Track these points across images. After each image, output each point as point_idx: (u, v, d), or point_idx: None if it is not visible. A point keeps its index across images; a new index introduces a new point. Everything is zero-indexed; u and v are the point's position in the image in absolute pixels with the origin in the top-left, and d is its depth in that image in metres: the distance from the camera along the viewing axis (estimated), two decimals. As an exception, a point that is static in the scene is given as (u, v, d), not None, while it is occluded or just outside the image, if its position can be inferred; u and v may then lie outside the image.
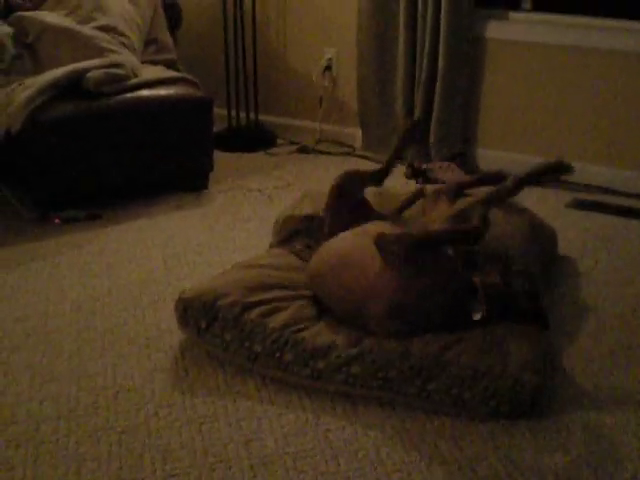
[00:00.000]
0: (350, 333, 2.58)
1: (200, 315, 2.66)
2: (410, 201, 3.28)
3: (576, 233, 3.73)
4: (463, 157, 4.54)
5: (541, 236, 3.29)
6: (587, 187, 4.32)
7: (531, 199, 3.88)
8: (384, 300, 2.56)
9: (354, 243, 2.76)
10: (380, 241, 2.59)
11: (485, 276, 2.61)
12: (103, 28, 4.19)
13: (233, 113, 5.00)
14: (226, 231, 3.74)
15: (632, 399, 2.49)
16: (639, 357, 2.72)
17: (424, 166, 3.96)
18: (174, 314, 2.74)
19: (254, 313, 2.64)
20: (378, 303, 2.56)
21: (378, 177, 3.21)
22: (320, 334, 2.58)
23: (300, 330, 2.59)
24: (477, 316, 2.56)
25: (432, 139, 4.52)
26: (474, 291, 2.57)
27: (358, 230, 2.84)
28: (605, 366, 2.66)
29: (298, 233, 3.16)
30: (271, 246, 3.22)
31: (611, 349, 2.77)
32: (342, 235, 2.86)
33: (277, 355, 2.56)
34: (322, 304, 2.76)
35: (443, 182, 3.75)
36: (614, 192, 4.27)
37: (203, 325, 2.65)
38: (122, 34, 4.25)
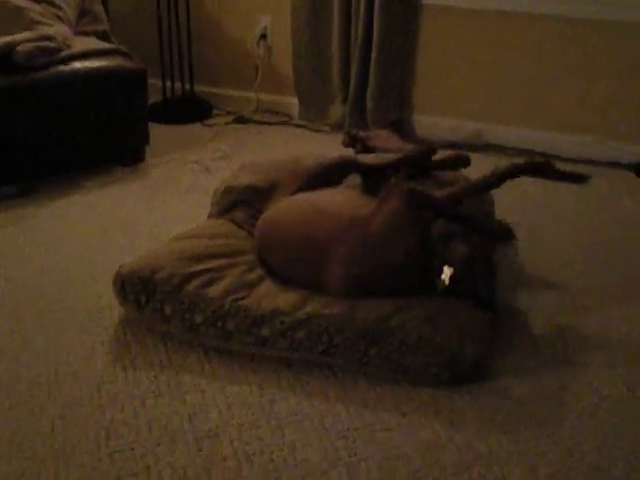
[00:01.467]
0: (293, 297, 2.58)
1: (138, 290, 2.64)
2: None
3: (513, 198, 3.77)
4: (400, 124, 4.56)
5: (478, 202, 3.31)
6: (523, 152, 4.37)
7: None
8: (358, 240, 2.59)
9: (332, 194, 2.82)
10: (392, 186, 2.68)
11: (454, 249, 2.63)
12: (36, 0, 4.11)
13: (168, 84, 4.94)
14: (164, 203, 3.71)
15: (568, 361, 2.54)
16: (577, 318, 2.78)
17: (362, 134, 3.95)
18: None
19: (193, 284, 2.62)
20: (350, 244, 2.59)
21: (367, 171, 3.13)
22: (263, 300, 2.57)
23: (242, 298, 2.58)
24: (440, 287, 2.58)
25: (369, 106, 4.52)
26: (441, 262, 2.60)
27: (328, 190, 2.90)
28: (543, 329, 2.71)
29: (239, 203, 3.15)
30: (210, 217, 3.20)
31: (548, 312, 2.82)
32: (309, 193, 2.88)
33: (219, 324, 2.55)
34: (265, 267, 2.76)
35: (381, 150, 3.75)
36: (550, 156, 4.32)
37: (142, 300, 2.63)
38: (56, 6, 4.17)
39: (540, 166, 2.79)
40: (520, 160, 2.81)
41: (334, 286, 2.61)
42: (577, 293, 2.94)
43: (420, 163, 3.15)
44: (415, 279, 2.60)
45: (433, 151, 3.23)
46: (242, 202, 3.13)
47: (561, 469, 2.11)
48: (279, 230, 2.78)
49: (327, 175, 3.05)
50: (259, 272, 2.74)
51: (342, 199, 2.83)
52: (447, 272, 2.57)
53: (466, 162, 3.20)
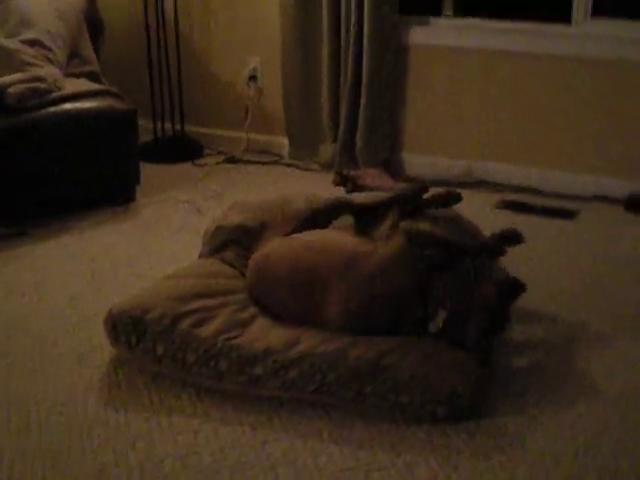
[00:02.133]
0: (285, 335, 2.57)
1: (130, 330, 2.62)
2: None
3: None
4: (390, 163, 4.57)
5: (467, 237, 3.31)
6: (513, 188, 4.39)
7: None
8: (358, 277, 2.62)
9: (326, 234, 2.88)
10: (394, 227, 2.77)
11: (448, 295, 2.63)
12: (28, 42, 4.12)
13: (158, 124, 4.95)
14: (156, 243, 3.70)
15: (565, 396, 2.53)
16: (573, 351, 2.77)
17: (352, 173, 3.97)
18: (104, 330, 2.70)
19: (185, 323, 2.61)
20: (349, 280, 2.61)
21: (359, 211, 3.13)
22: (255, 339, 2.57)
23: (234, 337, 2.57)
24: (433, 328, 2.58)
25: (359, 145, 4.54)
26: (437, 304, 2.59)
27: (321, 231, 2.95)
28: (539, 365, 2.70)
29: (229, 243, 3.14)
30: (201, 256, 3.19)
31: (542, 346, 2.81)
32: (303, 234, 2.91)
33: (211, 364, 2.54)
34: (259, 306, 2.76)
35: (372, 189, 3.76)
36: (539, 192, 4.34)
37: (134, 340, 2.62)
38: (47, 48, 4.19)
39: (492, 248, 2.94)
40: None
41: (332, 322, 2.61)
42: (563, 328, 2.95)
43: (412, 201, 3.15)
44: (411, 318, 2.60)
45: (425, 189, 3.23)
46: (232, 241, 3.13)
47: None
48: (274, 269, 2.78)
49: (321, 216, 3.06)
50: (251, 311, 2.74)
51: (337, 238, 2.84)
52: (441, 315, 2.57)
53: (457, 199, 3.21)
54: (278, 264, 2.78)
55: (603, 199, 4.23)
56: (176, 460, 2.25)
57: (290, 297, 2.71)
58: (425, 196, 3.21)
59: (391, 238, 2.71)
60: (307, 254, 2.75)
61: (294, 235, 2.92)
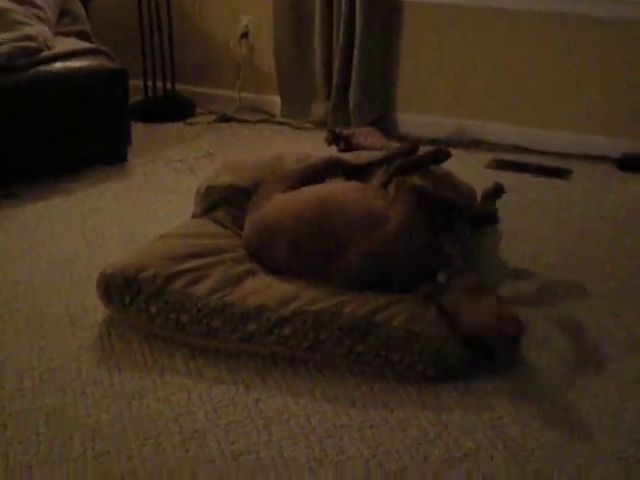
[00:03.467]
0: (279, 293, 2.57)
1: (123, 290, 2.63)
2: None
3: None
4: (383, 121, 4.56)
5: (462, 197, 3.31)
6: (504, 147, 4.38)
7: (450, 161, 3.90)
8: (379, 238, 2.62)
9: (336, 188, 2.86)
10: (401, 184, 2.74)
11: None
12: (17, 1, 4.08)
13: (149, 83, 4.91)
14: (148, 203, 3.69)
15: (555, 361, 2.55)
16: (562, 316, 2.78)
17: (345, 132, 3.95)
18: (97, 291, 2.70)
19: (178, 283, 2.61)
20: (370, 240, 2.62)
21: (352, 170, 3.16)
22: (248, 297, 2.57)
23: (227, 295, 2.58)
24: (442, 279, 2.60)
25: (351, 104, 4.52)
26: (444, 262, 2.62)
27: (326, 184, 2.98)
28: (530, 328, 2.71)
29: (220, 203, 3.14)
30: (194, 216, 3.19)
31: (535, 309, 2.82)
32: (309, 187, 2.92)
33: (205, 322, 2.55)
34: (262, 262, 2.76)
35: (364, 147, 3.75)
36: (531, 151, 4.33)
37: (127, 300, 2.62)
38: (37, 6, 4.15)
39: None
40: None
41: (350, 274, 2.62)
42: (555, 286, 2.97)
43: (402, 160, 3.16)
44: (423, 274, 2.62)
45: (415, 148, 3.24)
46: (224, 201, 3.12)
47: (548, 464, 2.11)
48: (275, 223, 2.77)
49: (316, 175, 3.06)
50: (244, 268, 2.73)
51: (345, 190, 2.85)
52: (446, 270, 2.59)
53: (446, 156, 3.23)
54: (280, 218, 2.78)
55: (597, 158, 4.23)
56: (170, 419, 2.27)
57: (293, 249, 2.71)
58: (415, 154, 3.22)
59: (401, 199, 2.71)
60: (313, 207, 2.75)
61: (298, 190, 2.92)
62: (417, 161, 3.20)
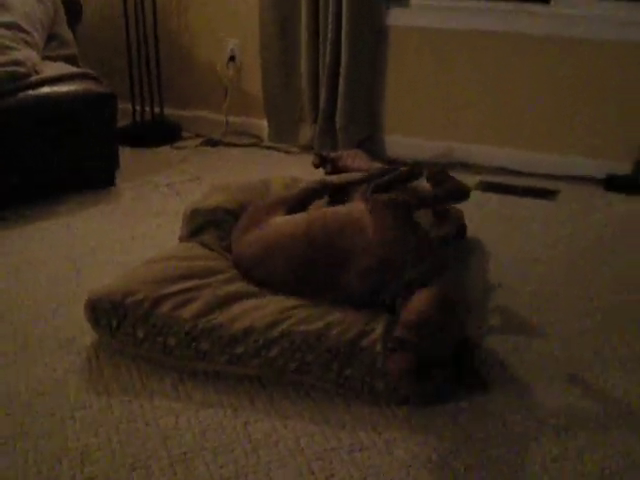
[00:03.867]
0: (267, 316, 2.57)
1: (110, 315, 2.63)
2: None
3: (483, 215, 3.79)
4: (370, 143, 4.57)
5: (448, 219, 3.33)
6: (491, 169, 4.41)
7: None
8: (373, 255, 2.65)
9: (336, 211, 2.91)
10: (375, 202, 2.79)
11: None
12: (5, 25, 4.08)
13: (137, 108, 4.93)
14: (135, 227, 3.70)
15: (540, 374, 2.55)
16: (548, 334, 2.79)
17: (332, 154, 3.96)
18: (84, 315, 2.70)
19: (165, 307, 2.61)
20: (365, 258, 2.64)
21: (335, 191, 3.24)
22: (236, 319, 2.57)
23: (215, 318, 2.58)
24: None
25: (338, 126, 4.54)
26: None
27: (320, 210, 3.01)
28: (517, 343, 2.72)
29: (207, 225, 3.14)
30: (180, 239, 3.19)
31: (520, 327, 2.83)
32: (308, 212, 2.99)
33: (193, 345, 2.55)
34: (240, 284, 2.76)
35: (351, 170, 3.76)
36: (518, 173, 4.36)
37: (114, 324, 2.62)
38: (24, 31, 4.15)
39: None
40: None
41: (353, 286, 2.65)
42: (538, 306, 2.97)
43: (380, 179, 3.25)
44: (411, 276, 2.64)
45: (395, 169, 3.36)
46: (210, 223, 3.13)
47: None
48: (282, 245, 2.80)
49: (308, 199, 3.12)
50: (232, 291, 2.73)
51: (341, 212, 2.90)
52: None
53: (420, 173, 3.31)
54: (279, 239, 2.81)
55: (583, 179, 4.26)
56: (158, 443, 2.26)
57: (292, 268, 2.74)
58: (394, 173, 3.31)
59: (378, 214, 2.75)
60: (314, 229, 2.79)
61: (292, 215, 2.96)
62: (393, 179, 3.28)
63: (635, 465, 2.18)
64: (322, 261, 2.72)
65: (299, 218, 2.91)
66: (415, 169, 3.31)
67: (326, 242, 2.74)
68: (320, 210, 2.99)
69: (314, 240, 2.76)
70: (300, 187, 3.21)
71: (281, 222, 2.91)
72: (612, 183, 4.17)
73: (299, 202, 3.08)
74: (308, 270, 2.73)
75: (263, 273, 2.80)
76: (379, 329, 2.51)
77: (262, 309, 2.62)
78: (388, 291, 2.60)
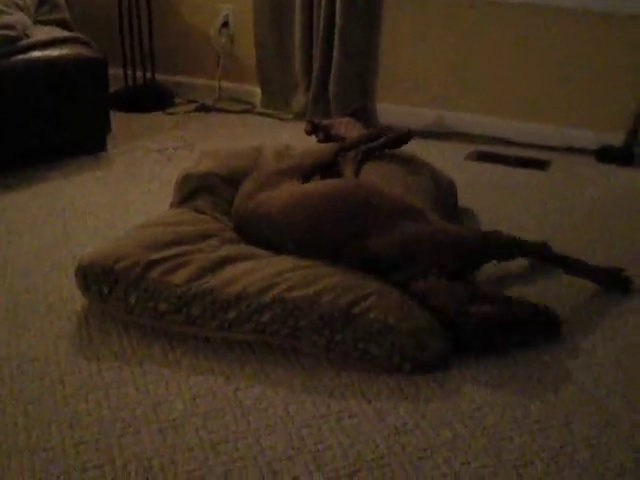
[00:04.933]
0: (259, 280, 2.55)
1: (101, 280, 2.61)
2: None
3: (475, 185, 3.79)
4: (363, 112, 4.56)
5: (441, 189, 3.33)
6: (484, 139, 4.40)
7: (430, 152, 3.92)
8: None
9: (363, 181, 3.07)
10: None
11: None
12: (-4, -12, 4.06)
13: (129, 72, 4.89)
14: (127, 193, 3.68)
15: (532, 350, 2.56)
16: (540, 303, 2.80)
17: (324, 122, 3.95)
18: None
19: (156, 272, 2.60)
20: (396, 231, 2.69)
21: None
22: (228, 284, 2.55)
23: (206, 282, 2.56)
24: None
25: (332, 94, 4.52)
26: None
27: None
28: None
29: (199, 191, 3.13)
30: (172, 205, 3.18)
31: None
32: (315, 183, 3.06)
33: (184, 310, 2.54)
34: (233, 247, 2.76)
35: (343, 138, 3.75)
36: (510, 143, 4.36)
37: (105, 290, 2.61)
38: (16, -5, 4.12)
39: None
40: None
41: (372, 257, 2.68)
42: (527, 277, 2.99)
43: (368, 144, 3.38)
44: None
45: (381, 133, 3.48)
46: (203, 189, 3.12)
47: (526, 453, 2.12)
48: (305, 206, 2.80)
49: (320, 168, 3.21)
50: (223, 255, 2.71)
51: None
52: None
53: (407, 137, 3.42)
54: (303, 201, 2.84)
55: (575, 150, 4.25)
56: (148, 409, 2.26)
57: (313, 230, 2.75)
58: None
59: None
60: (344, 194, 2.83)
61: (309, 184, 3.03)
62: (380, 145, 3.37)
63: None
64: (345, 225, 2.72)
65: (335, 181, 2.99)
66: (402, 135, 3.39)
67: (354, 206, 2.76)
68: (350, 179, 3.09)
69: (340, 204, 2.78)
70: (314, 157, 3.23)
71: (302, 188, 2.94)
72: (604, 154, 4.17)
73: (313, 171, 3.15)
74: (329, 231, 2.73)
75: (281, 225, 2.80)
76: (374, 297, 2.50)
77: (254, 273, 2.60)
78: (415, 269, 2.62)
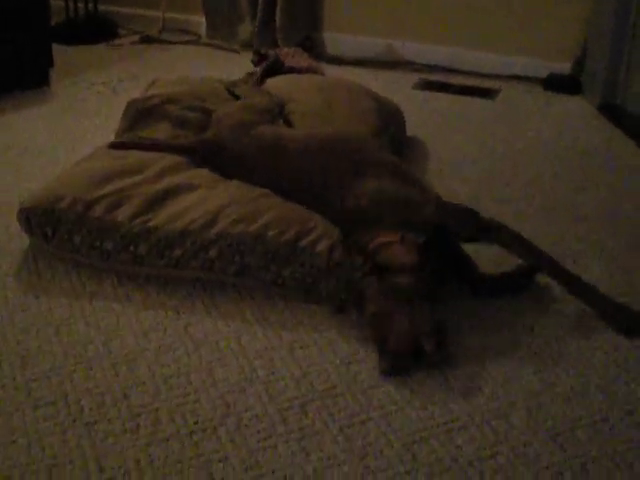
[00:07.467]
0: (202, 215, 2.51)
1: (43, 222, 2.55)
2: None
3: (422, 113, 3.79)
4: (310, 42, 4.52)
5: (389, 117, 3.32)
6: (432, 68, 4.39)
7: (377, 82, 3.91)
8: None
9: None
10: None
11: None
12: None
13: (70, 4, 4.78)
14: (71, 128, 3.63)
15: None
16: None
17: (271, 52, 3.91)
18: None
19: (98, 210, 2.54)
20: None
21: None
22: (171, 220, 2.51)
23: (150, 220, 2.51)
24: None
25: (278, 24, 4.47)
26: None
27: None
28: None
29: (143, 115, 3.07)
30: (117, 134, 3.11)
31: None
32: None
33: (131, 249, 2.50)
34: (174, 177, 2.69)
35: (290, 68, 3.72)
36: (458, 72, 4.35)
37: (49, 232, 2.55)
38: None
39: None
40: None
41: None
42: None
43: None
44: None
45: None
46: (149, 112, 3.05)
47: (521, 430, 2.10)
48: (296, 148, 2.73)
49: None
50: (164, 187, 2.64)
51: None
52: None
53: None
54: (293, 141, 2.76)
55: (524, 79, 4.26)
56: (99, 345, 2.26)
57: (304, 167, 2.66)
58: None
59: None
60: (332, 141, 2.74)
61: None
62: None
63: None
64: (332, 170, 2.61)
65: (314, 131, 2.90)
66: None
67: (340, 154, 2.66)
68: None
69: (330, 150, 2.68)
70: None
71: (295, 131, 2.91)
72: (551, 83, 4.19)
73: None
74: (333, 170, 2.62)
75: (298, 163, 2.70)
76: (318, 228, 2.49)
77: (197, 207, 2.55)
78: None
